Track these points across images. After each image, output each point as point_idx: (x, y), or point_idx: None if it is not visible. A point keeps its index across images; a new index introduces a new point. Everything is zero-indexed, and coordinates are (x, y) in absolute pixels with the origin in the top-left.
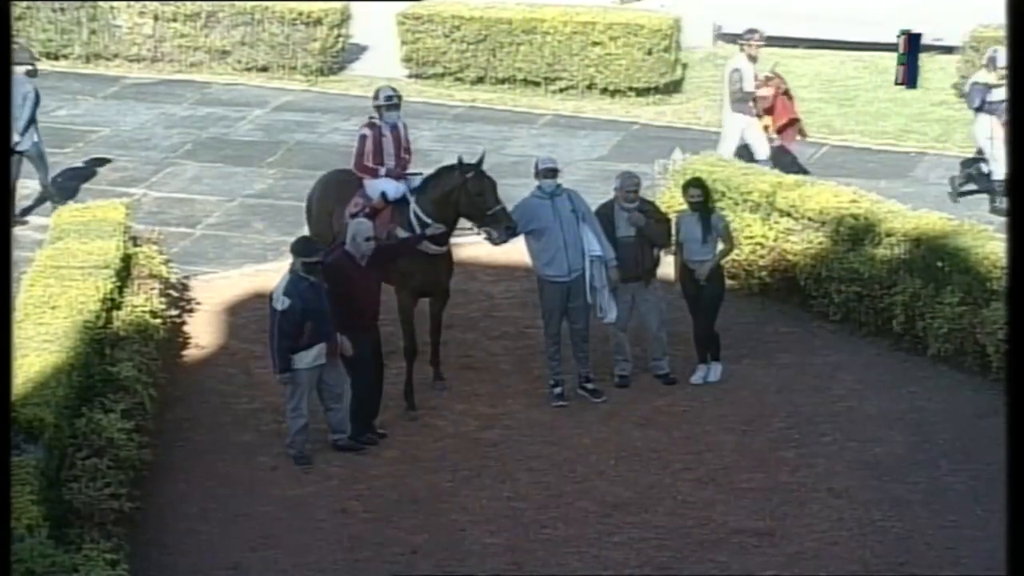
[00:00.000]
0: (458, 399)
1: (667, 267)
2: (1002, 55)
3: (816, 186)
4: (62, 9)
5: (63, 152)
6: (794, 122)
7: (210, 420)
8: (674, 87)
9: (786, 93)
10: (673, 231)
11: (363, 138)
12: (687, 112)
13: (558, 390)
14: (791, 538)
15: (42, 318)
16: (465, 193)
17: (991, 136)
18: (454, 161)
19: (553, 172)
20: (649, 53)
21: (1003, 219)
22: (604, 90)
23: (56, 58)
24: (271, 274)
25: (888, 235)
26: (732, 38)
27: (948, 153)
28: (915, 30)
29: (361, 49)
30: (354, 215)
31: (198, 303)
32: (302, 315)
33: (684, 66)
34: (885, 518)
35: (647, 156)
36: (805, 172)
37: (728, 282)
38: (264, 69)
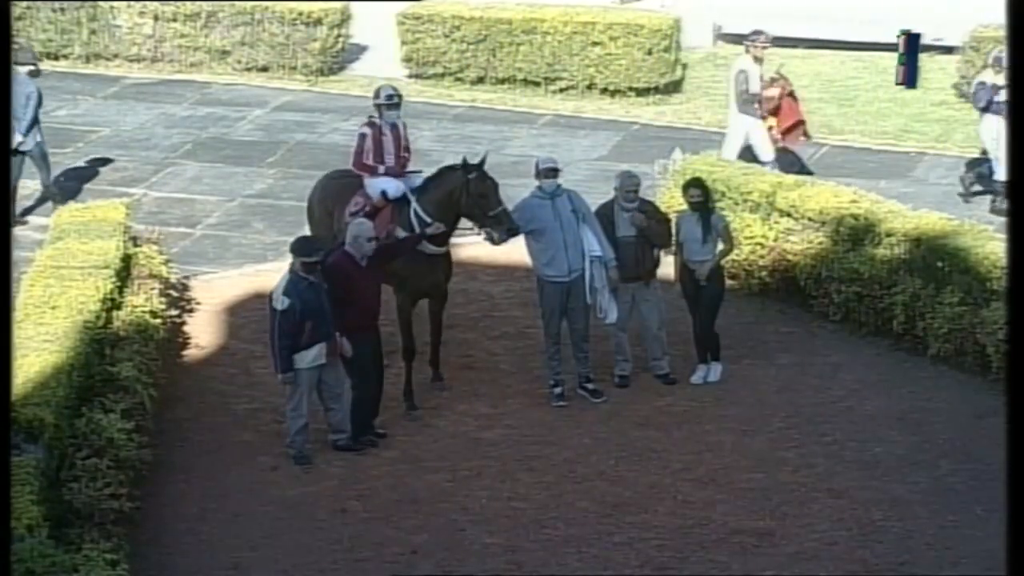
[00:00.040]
0: (458, 399)
1: (667, 267)
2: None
3: (816, 186)
4: (62, 9)
5: (63, 152)
6: (799, 124)
7: (210, 420)
8: (674, 87)
9: (791, 94)
10: (673, 231)
11: (363, 136)
12: (687, 112)
13: (558, 390)
14: (791, 538)
15: (42, 318)
16: (467, 193)
17: (996, 136)
18: (455, 161)
19: (554, 172)
20: (649, 53)
21: (1003, 219)
22: (604, 90)
23: (56, 58)
24: (271, 274)
25: (888, 235)
26: (732, 38)
27: (948, 153)
28: (915, 30)
29: (361, 49)
30: (354, 214)
31: (198, 303)
32: (301, 315)
33: (684, 66)
34: (885, 518)
35: (647, 156)
36: (808, 172)
37: (728, 282)
38: (264, 69)
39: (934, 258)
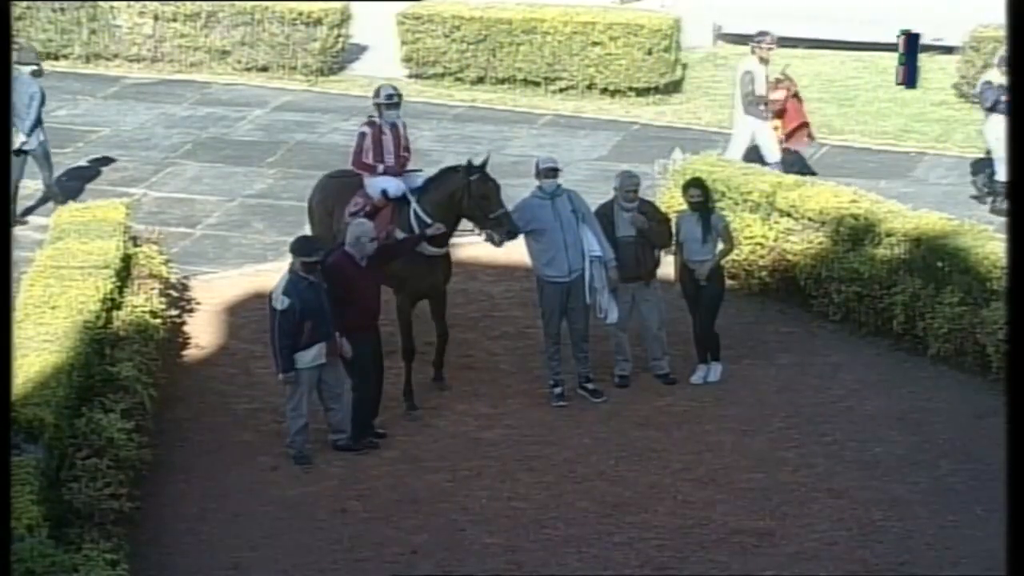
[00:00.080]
0: (458, 399)
1: (667, 267)
2: None
3: (816, 186)
4: (62, 9)
5: (63, 152)
6: (804, 126)
7: (210, 420)
8: (674, 87)
9: (796, 95)
10: (673, 231)
11: (362, 135)
12: (687, 112)
13: (558, 390)
14: (791, 538)
15: (42, 318)
16: (469, 195)
17: (1001, 136)
18: (455, 161)
19: (554, 172)
20: (649, 53)
21: (1003, 219)
22: (604, 90)
23: (56, 58)
24: (271, 274)
25: (888, 235)
26: (732, 38)
27: (948, 153)
28: (915, 30)
29: (361, 49)
30: (354, 214)
31: (198, 303)
32: (301, 315)
33: (684, 66)
34: (885, 518)
35: (647, 156)
36: (812, 173)
37: (728, 282)
38: (264, 69)
39: (934, 258)
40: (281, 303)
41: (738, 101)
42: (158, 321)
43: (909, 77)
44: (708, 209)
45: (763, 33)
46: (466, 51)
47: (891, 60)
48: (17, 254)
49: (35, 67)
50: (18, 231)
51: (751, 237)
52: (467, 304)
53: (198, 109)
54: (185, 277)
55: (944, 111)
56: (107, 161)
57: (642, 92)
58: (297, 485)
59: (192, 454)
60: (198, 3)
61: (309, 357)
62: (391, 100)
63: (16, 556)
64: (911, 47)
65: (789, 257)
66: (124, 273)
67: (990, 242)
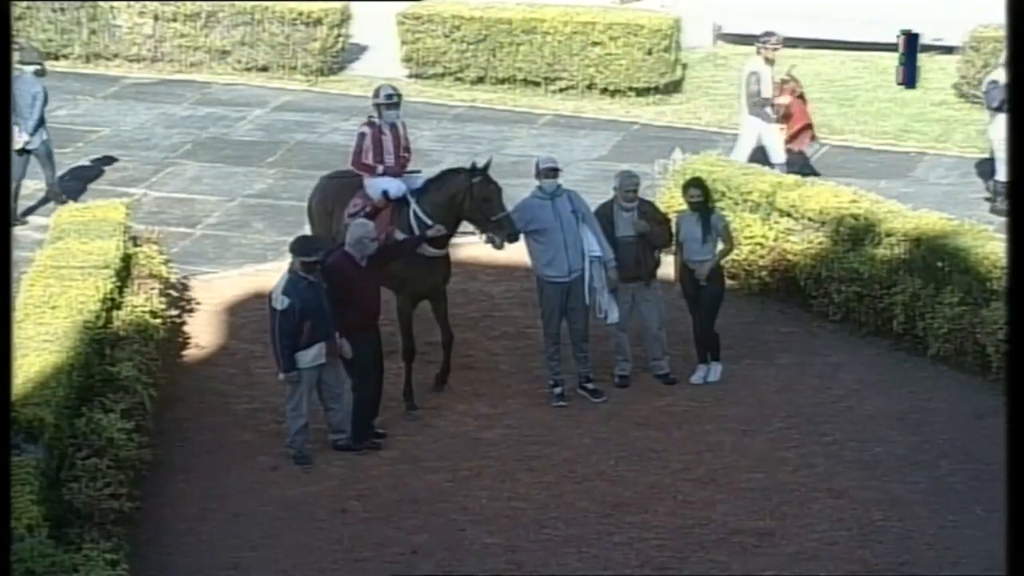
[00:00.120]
0: (458, 399)
1: (667, 267)
2: None
3: (816, 186)
4: (62, 9)
5: (63, 152)
6: (807, 127)
7: (210, 420)
8: (674, 87)
9: (801, 96)
10: (673, 231)
11: (362, 135)
12: (687, 112)
13: (558, 390)
14: (791, 538)
15: (42, 318)
16: (470, 197)
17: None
18: (455, 161)
19: (554, 172)
20: (649, 53)
21: (1003, 219)
22: (604, 90)
23: (56, 58)
24: (271, 274)
25: (888, 235)
26: (732, 38)
27: (948, 153)
28: (915, 30)
29: (361, 49)
30: (353, 215)
31: (198, 303)
32: (301, 315)
33: (684, 66)
34: (885, 518)
35: (647, 156)
36: (816, 173)
37: (728, 282)
38: (264, 69)
39: (934, 258)
40: (281, 303)
41: (743, 102)
42: (158, 321)
43: (909, 77)
44: (708, 209)
45: (769, 33)
46: (466, 51)
47: (891, 60)
48: (17, 254)
49: (38, 67)
50: (18, 231)
51: (751, 237)
52: (467, 304)
53: (198, 109)
54: (185, 277)
55: (944, 111)
56: (107, 161)
57: (642, 92)
58: (297, 485)
59: (192, 454)
60: (198, 3)
61: (309, 357)
62: (391, 100)
63: (16, 556)
64: (911, 47)
65: (789, 257)
66: (124, 273)
67: (990, 242)
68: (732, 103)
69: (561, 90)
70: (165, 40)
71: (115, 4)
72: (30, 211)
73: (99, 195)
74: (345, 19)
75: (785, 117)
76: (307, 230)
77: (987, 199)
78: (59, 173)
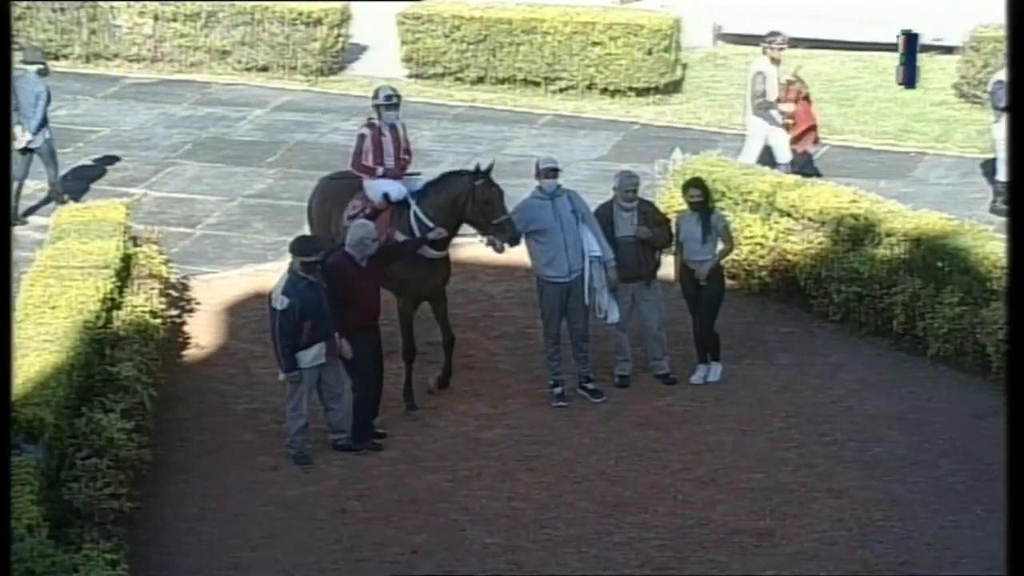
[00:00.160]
0: (458, 399)
1: (667, 267)
2: None
3: (816, 186)
4: (62, 9)
5: (63, 152)
6: (812, 129)
7: (210, 420)
8: (674, 87)
9: (807, 98)
10: (673, 231)
11: (362, 137)
12: (687, 112)
13: (558, 390)
14: (791, 538)
15: (42, 318)
16: (473, 200)
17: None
18: (456, 161)
19: (554, 172)
20: (649, 53)
21: (1003, 219)
22: (604, 90)
23: (56, 58)
24: (271, 274)
25: (888, 235)
26: (732, 38)
27: (948, 153)
28: (915, 30)
29: (361, 49)
30: (352, 217)
31: (198, 303)
32: (301, 315)
33: (684, 66)
34: (885, 518)
35: (647, 156)
36: (819, 175)
37: (728, 282)
38: (264, 69)
39: (934, 258)
40: (281, 303)
41: (748, 102)
42: (158, 321)
43: (909, 77)
44: (708, 209)
45: (775, 33)
46: (466, 51)
47: (891, 60)
48: (17, 254)
49: (41, 66)
50: (18, 231)
51: (751, 237)
52: (467, 304)
53: (198, 109)
54: (185, 277)
55: (944, 111)
56: (107, 161)
57: (642, 92)
58: (297, 485)
59: (192, 454)
60: (198, 3)
61: (309, 357)
62: (390, 101)
63: (16, 556)
64: (911, 47)
65: (789, 257)
66: (124, 273)
67: (990, 242)
68: (732, 103)
69: (561, 90)
70: (165, 40)
71: (115, 4)
72: (30, 211)
73: (99, 195)
74: (345, 19)
75: (790, 117)
76: (307, 230)
77: (993, 201)
78: (61, 173)
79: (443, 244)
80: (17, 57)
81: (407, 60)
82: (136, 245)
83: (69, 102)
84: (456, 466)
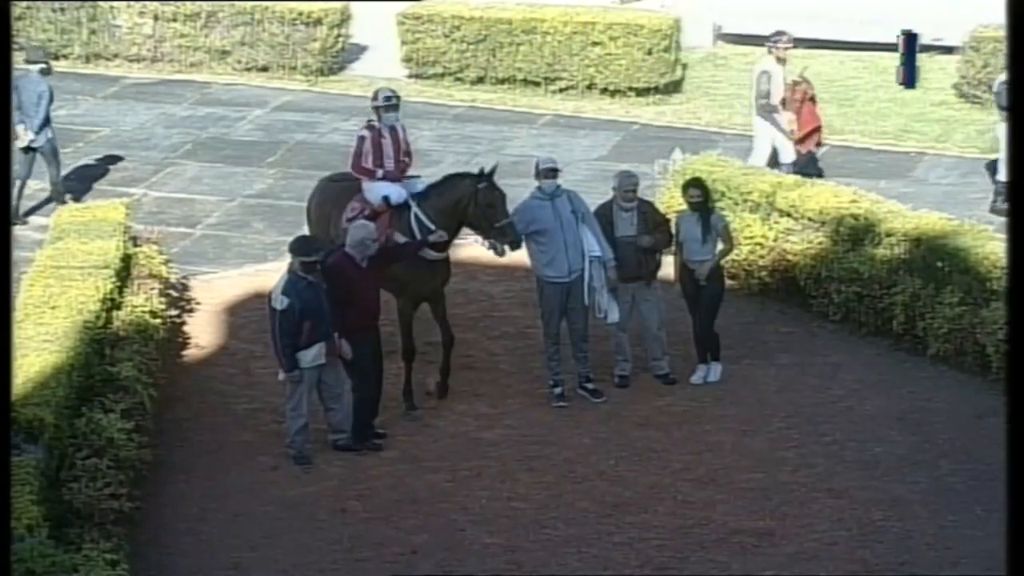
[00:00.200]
0: (458, 399)
1: (667, 267)
2: None
3: (816, 186)
4: (62, 9)
5: (63, 152)
6: (816, 130)
7: (210, 420)
8: (674, 87)
9: (812, 99)
10: (673, 231)
11: (361, 139)
12: (687, 112)
13: (558, 390)
14: (791, 538)
15: (42, 318)
16: (475, 203)
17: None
18: (456, 161)
19: (554, 172)
20: (649, 53)
21: (1003, 219)
22: (604, 90)
23: (56, 58)
24: (271, 274)
25: (888, 235)
26: (732, 38)
27: (948, 153)
28: (915, 30)
29: (361, 49)
30: (351, 219)
31: (198, 303)
32: (301, 315)
33: (684, 66)
34: (885, 518)
35: (647, 156)
36: (820, 175)
37: (728, 282)
38: (264, 69)
39: (934, 258)
40: (280, 303)
41: (753, 102)
42: (158, 321)
43: (909, 77)
44: (708, 209)
45: (780, 33)
46: (466, 51)
47: (891, 60)
48: (17, 254)
49: (43, 65)
50: (18, 231)
51: (751, 237)
52: (467, 304)
53: (198, 109)
54: (185, 277)
55: (944, 111)
56: (107, 161)
57: (642, 92)
58: (297, 485)
59: (192, 454)
60: (198, 3)
61: (309, 357)
62: (389, 102)
63: (16, 556)
64: (911, 47)
65: (789, 257)
66: (124, 273)
67: (990, 242)
68: (732, 103)
69: (561, 90)
70: (165, 40)
71: (115, 4)
72: (31, 211)
73: (99, 195)
74: (345, 19)
75: (792, 123)
76: (307, 230)
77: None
78: (62, 173)
79: (444, 246)
80: (19, 57)
81: (407, 60)
82: (136, 245)
83: (69, 102)
84: (456, 466)
